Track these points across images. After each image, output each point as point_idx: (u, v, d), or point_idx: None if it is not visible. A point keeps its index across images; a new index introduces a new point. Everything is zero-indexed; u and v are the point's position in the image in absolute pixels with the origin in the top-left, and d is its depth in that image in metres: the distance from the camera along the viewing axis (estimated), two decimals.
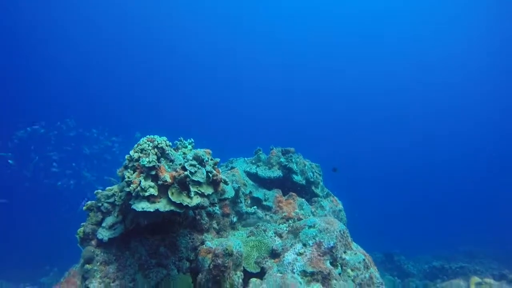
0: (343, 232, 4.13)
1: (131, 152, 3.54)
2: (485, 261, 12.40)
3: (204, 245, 4.36)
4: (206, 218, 4.45)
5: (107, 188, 4.05)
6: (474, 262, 12.06)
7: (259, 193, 5.78)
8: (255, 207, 5.49)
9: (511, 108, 41.51)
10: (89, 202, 3.99)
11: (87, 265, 3.86)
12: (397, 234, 18.70)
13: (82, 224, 4.11)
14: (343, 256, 4.00)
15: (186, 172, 3.26)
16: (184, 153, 3.75)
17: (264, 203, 5.64)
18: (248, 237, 4.68)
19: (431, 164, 43.48)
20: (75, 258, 4.33)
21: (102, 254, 4.00)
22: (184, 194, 3.29)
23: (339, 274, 3.82)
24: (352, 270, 3.92)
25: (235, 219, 5.15)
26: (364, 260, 4.04)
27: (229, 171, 5.90)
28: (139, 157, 3.44)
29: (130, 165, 3.52)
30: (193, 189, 3.32)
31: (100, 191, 3.99)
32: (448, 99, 45.37)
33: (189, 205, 3.23)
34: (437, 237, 18.66)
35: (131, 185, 3.26)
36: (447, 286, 2.73)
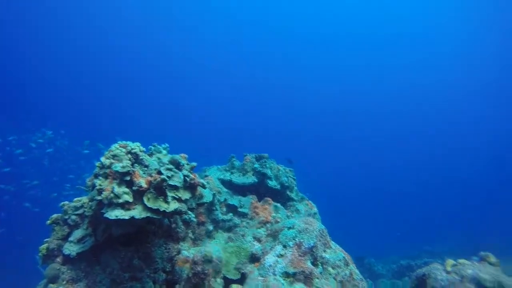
0: (322, 232, 4.18)
1: (102, 159, 3.35)
2: (445, 257, 13.13)
3: (181, 255, 4.20)
4: (182, 227, 4.30)
5: (75, 199, 3.78)
6: (436, 258, 12.78)
7: (234, 200, 5.71)
8: (231, 214, 5.40)
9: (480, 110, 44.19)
10: (54, 216, 3.69)
11: (51, 285, 3.54)
12: (366, 237, 19.28)
13: (45, 240, 3.79)
14: (324, 255, 4.04)
15: (162, 176, 3.15)
16: (159, 158, 3.62)
17: (240, 209, 5.57)
18: (226, 243, 4.58)
19: (396, 167, 45.61)
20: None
21: (69, 271, 3.69)
22: (161, 200, 3.16)
23: (321, 272, 3.83)
24: (333, 268, 3.96)
25: (211, 227, 5.02)
26: (344, 258, 4.10)
27: (202, 180, 5.78)
28: (111, 163, 3.26)
29: (101, 172, 3.33)
30: (170, 194, 3.21)
31: (66, 202, 3.72)
32: (416, 98, 47.57)
33: (167, 211, 3.10)
34: (402, 238, 19.50)
35: (103, 192, 3.07)
36: (427, 270, 2.83)
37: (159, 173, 3.25)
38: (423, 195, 37.39)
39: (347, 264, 4.12)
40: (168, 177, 3.21)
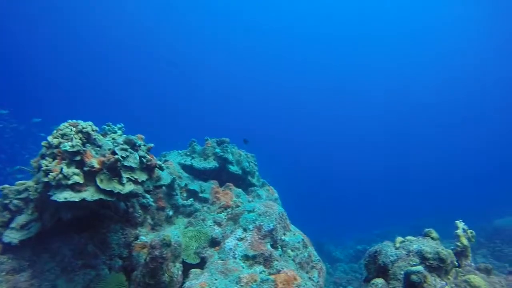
0: (282, 215, 4.26)
1: (49, 138, 3.10)
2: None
3: (139, 240, 4.05)
4: (140, 211, 4.14)
5: (17, 182, 3.47)
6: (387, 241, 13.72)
7: (195, 185, 5.62)
8: (191, 199, 5.31)
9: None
10: None
11: None
12: (325, 224, 20.12)
13: None
14: (283, 237, 4.12)
15: (116, 156, 2.98)
16: (113, 139, 3.42)
17: (201, 195, 5.50)
18: (186, 228, 4.50)
19: (353, 154, 47.74)
20: None
21: (9, 261, 3.40)
22: (115, 181, 3.00)
23: (280, 255, 3.91)
24: (292, 250, 4.06)
25: (171, 213, 4.90)
26: (302, 240, 4.22)
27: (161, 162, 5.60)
28: (60, 142, 3.03)
29: (48, 152, 3.08)
30: (125, 175, 3.05)
31: (7, 186, 3.40)
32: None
33: (121, 192, 2.96)
34: (356, 223, 20.63)
35: (51, 173, 2.85)
36: (378, 247, 3.00)
37: (113, 153, 3.08)
38: (375, 181, 39.75)
39: (305, 247, 4.24)
40: (122, 157, 3.05)
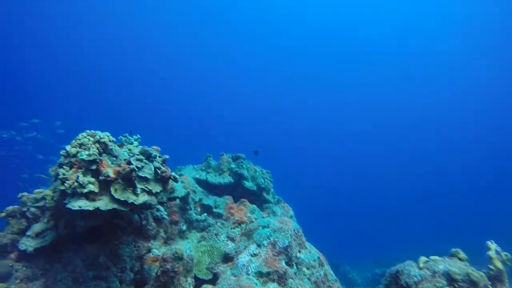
0: (297, 231, 4.11)
1: (68, 147, 3.15)
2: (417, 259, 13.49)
3: (151, 253, 3.99)
4: (153, 224, 4.10)
5: (36, 190, 3.52)
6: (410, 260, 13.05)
7: (210, 200, 5.56)
8: (205, 214, 5.24)
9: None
10: (10, 208, 3.41)
11: (0, 284, 3.23)
12: (341, 244, 19.43)
13: None
14: (298, 255, 3.96)
15: (132, 166, 2.98)
16: (129, 150, 3.44)
17: (215, 210, 5.43)
18: (199, 242, 4.42)
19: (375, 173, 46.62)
20: None
21: (24, 269, 3.40)
22: (129, 191, 2.99)
23: (295, 273, 3.75)
24: (307, 268, 3.88)
25: (184, 227, 4.84)
26: (318, 258, 4.04)
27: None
28: (77, 152, 3.07)
29: (66, 161, 3.12)
30: (139, 185, 3.04)
31: (25, 194, 3.46)
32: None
33: (135, 203, 2.93)
34: (376, 245, 19.80)
35: (67, 181, 2.87)
36: (400, 267, 2.82)
37: (129, 163, 3.08)
38: (396, 202, 38.45)
39: (321, 265, 4.06)
40: (138, 167, 3.05)
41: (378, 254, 17.26)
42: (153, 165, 3.32)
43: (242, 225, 4.76)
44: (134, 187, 3.01)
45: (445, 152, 46.55)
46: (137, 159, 3.14)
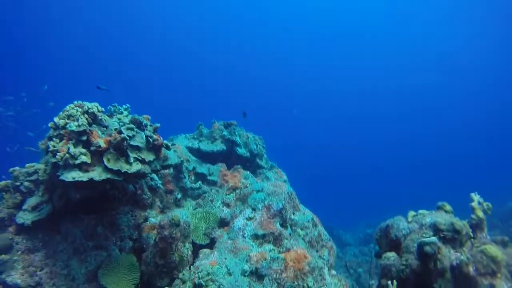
0: (291, 194, 4.21)
1: (56, 119, 3.09)
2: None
3: (148, 222, 4.08)
4: (148, 193, 4.15)
5: (27, 165, 3.49)
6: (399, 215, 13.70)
7: (203, 168, 5.61)
8: (199, 182, 5.31)
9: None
10: (2, 182, 3.40)
11: (3, 256, 3.30)
12: (334, 208, 20.11)
13: None
14: (292, 217, 4.09)
15: (123, 135, 2.96)
16: (119, 119, 3.39)
17: (209, 177, 5.49)
18: (195, 209, 4.51)
19: (368, 141, 47.39)
20: None
21: (24, 241, 3.46)
22: (122, 160, 2.99)
23: (290, 234, 3.89)
24: (301, 229, 4.03)
25: (179, 196, 4.91)
26: (312, 219, 4.18)
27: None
28: (66, 123, 3.01)
29: (55, 134, 3.07)
30: (132, 154, 3.04)
31: (17, 168, 3.43)
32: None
33: (129, 172, 2.94)
34: (368, 210, 20.54)
35: (58, 153, 2.84)
36: (390, 222, 2.95)
37: (119, 132, 3.05)
38: (386, 167, 39.46)
39: (315, 225, 4.21)
40: (129, 136, 3.03)
41: (370, 218, 17.92)
42: (145, 133, 3.30)
43: (237, 191, 4.85)
44: (127, 156, 3.01)
45: (433, 119, 47.25)
46: (128, 128, 3.11)
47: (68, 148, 2.83)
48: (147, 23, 43.89)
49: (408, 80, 47.19)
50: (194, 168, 5.59)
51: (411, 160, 42.47)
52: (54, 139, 3.02)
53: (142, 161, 3.14)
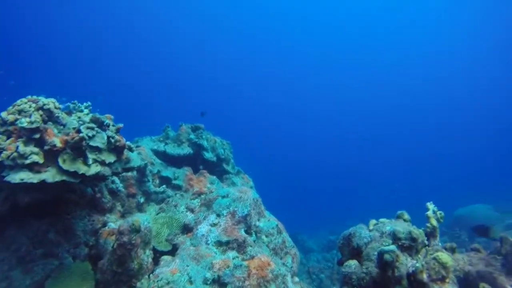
0: (257, 200, 4.20)
1: (4, 114, 2.83)
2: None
3: (107, 227, 3.85)
4: (108, 197, 3.93)
5: None
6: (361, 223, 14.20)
7: (168, 171, 5.45)
8: (164, 186, 5.14)
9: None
10: None
11: None
12: (298, 214, 20.41)
13: None
14: (257, 223, 4.06)
15: (81, 134, 2.77)
16: (79, 118, 3.19)
17: (174, 181, 5.35)
18: (157, 214, 4.35)
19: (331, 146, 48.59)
20: None
21: None
22: (80, 161, 2.80)
23: (254, 241, 3.86)
24: (266, 236, 4.01)
25: (142, 200, 4.72)
26: (277, 226, 4.18)
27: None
28: (16, 119, 2.77)
29: (2, 130, 2.81)
30: (91, 155, 2.85)
31: None
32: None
33: (87, 174, 2.76)
34: (329, 215, 21.09)
35: (4, 152, 2.60)
36: (352, 230, 3.02)
37: (78, 131, 2.86)
38: (349, 174, 40.79)
39: (280, 232, 4.21)
40: (88, 136, 2.84)
41: (334, 223, 18.37)
42: (106, 134, 3.12)
43: (202, 196, 4.74)
44: (85, 157, 2.82)
45: (396, 125, 49.41)
46: (88, 128, 2.93)
47: (17, 147, 2.60)
48: (112, 21, 42.43)
49: (373, 79, 49.04)
50: (158, 172, 5.41)
51: (378, 165, 44.11)
52: (0, 136, 2.76)
53: (102, 163, 2.96)
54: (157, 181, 5.32)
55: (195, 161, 5.75)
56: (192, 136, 5.69)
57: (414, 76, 47.32)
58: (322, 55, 49.33)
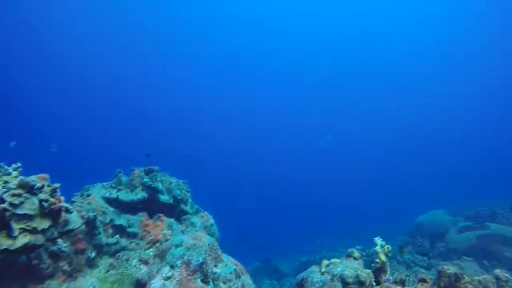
0: (212, 246, 4.06)
1: None
2: (336, 247, 14.86)
3: None
4: (48, 261, 3.60)
5: None
6: (329, 250, 14.28)
7: (122, 219, 5.17)
8: (117, 236, 4.86)
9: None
10: None
11: None
12: (269, 238, 20.23)
13: None
14: (214, 270, 3.91)
15: (4, 205, 2.54)
16: (5, 182, 2.93)
17: (129, 229, 5.08)
18: (107, 271, 4.05)
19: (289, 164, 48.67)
20: None
21: None
22: (3, 235, 2.55)
23: None
24: (224, 282, 3.86)
25: (93, 254, 4.40)
26: (235, 269, 4.05)
27: (83, 200, 5.05)
28: None
29: None
30: (17, 226, 2.62)
31: None
32: None
33: (11, 249, 2.51)
34: (300, 234, 21.09)
35: None
36: (305, 274, 2.99)
37: (2, 201, 2.62)
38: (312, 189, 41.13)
39: (238, 276, 4.08)
40: (14, 204, 2.61)
41: (304, 242, 18.40)
42: (38, 197, 2.90)
43: (157, 244, 4.53)
44: (10, 229, 2.58)
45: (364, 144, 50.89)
46: (14, 195, 2.70)
47: None
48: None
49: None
50: (111, 221, 5.11)
51: (338, 178, 44.84)
52: None
53: (33, 231, 2.73)
54: (110, 231, 5.02)
55: (151, 205, 5.52)
56: (146, 179, 5.49)
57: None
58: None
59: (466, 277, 2.48)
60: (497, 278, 2.46)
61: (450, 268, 2.54)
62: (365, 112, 50.21)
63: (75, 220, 3.39)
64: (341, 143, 48.41)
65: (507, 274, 2.48)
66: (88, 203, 4.88)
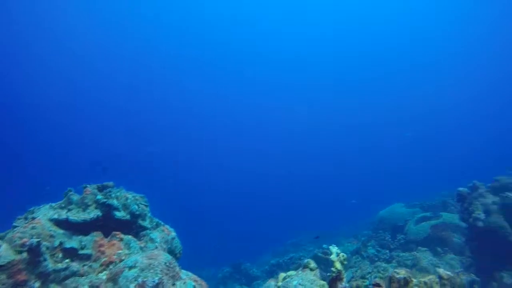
0: (169, 264, 3.91)
1: None
2: (306, 247, 15.07)
3: None
4: None
5: None
6: (299, 250, 14.43)
7: (73, 241, 4.82)
8: (67, 260, 4.52)
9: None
10: None
11: None
12: (240, 243, 20.12)
13: None
14: None
15: None
16: None
17: (81, 251, 4.75)
18: None
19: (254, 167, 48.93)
20: None
21: None
22: None
23: None
24: None
25: (36, 285, 4.05)
26: (194, 287, 3.93)
27: (27, 224, 4.66)
28: None
29: None
30: None
31: None
32: None
33: None
34: (271, 236, 21.21)
35: None
36: None
37: None
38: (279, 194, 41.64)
39: None
40: None
41: (275, 243, 18.50)
42: None
43: (111, 266, 4.28)
44: None
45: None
46: None
47: None
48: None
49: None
50: (61, 244, 4.75)
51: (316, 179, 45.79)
52: None
53: None
54: (60, 255, 4.66)
55: (107, 223, 5.22)
56: (99, 196, 5.17)
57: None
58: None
59: (414, 280, 2.57)
60: (440, 277, 2.58)
61: (400, 273, 2.62)
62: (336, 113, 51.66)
63: (5, 255, 3.08)
64: (317, 143, 49.43)
65: (448, 272, 2.60)
66: (32, 227, 4.51)
